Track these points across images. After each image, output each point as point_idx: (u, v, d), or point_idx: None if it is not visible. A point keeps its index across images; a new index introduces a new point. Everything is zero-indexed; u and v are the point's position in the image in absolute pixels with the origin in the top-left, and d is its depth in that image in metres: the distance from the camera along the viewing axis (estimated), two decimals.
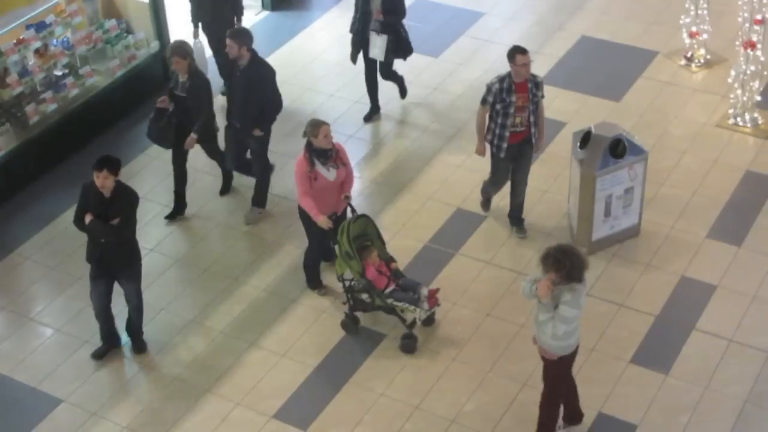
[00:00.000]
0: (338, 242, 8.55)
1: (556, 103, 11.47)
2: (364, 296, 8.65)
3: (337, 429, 8.10)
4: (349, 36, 11.17)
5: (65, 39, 11.08)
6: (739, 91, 10.93)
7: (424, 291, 8.58)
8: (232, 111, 9.79)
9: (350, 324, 8.84)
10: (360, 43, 10.96)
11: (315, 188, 8.61)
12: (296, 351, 8.78)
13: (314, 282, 9.30)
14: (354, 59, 11.13)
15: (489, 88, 9.20)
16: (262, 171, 10.05)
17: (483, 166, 10.62)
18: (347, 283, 8.68)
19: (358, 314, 8.86)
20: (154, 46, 11.90)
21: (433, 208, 10.19)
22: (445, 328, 8.90)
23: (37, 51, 10.79)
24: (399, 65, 11.41)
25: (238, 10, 11.41)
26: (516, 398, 8.25)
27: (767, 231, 9.73)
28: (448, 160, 10.78)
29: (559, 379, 7.58)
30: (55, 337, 9.00)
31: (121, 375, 8.65)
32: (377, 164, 10.80)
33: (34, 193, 10.63)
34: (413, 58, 11.89)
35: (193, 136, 9.77)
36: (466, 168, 10.66)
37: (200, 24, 11.46)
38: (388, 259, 8.80)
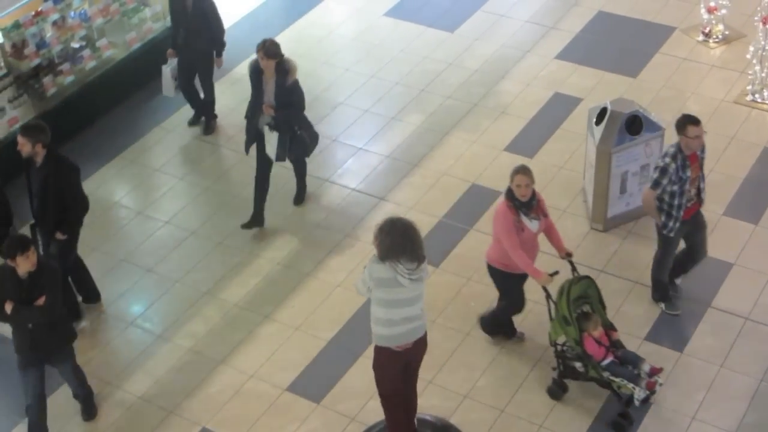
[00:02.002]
0: (556, 304, 7.78)
1: (572, 78, 11.42)
2: (578, 365, 7.82)
3: (349, 402, 8.14)
4: (365, 11, 11.07)
5: (83, 11, 11.08)
6: (757, 68, 10.85)
7: (646, 367, 7.70)
8: (32, 213, 8.54)
9: (557, 391, 8.02)
10: (255, 133, 9.45)
11: (519, 241, 7.73)
12: (310, 324, 8.81)
13: (510, 330, 8.51)
14: (247, 149, 9.64)
15: (664, 170, 8.00)
16: (72, 270, 8.79)
17: (497, 142, 10.62)
18: (559, 348, 7.90)
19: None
20: (168, 20, 11.87)
21: (447, 184, 10.18)
22: (459, 304, 8.91)
23: (54, 23, 10.81)
24: (417, 41, 11.28)
25: (218, 44, 10.57)
26: (529, 374, 8.27)
27: None
28: (462, 136, 10.76)
29: (381, 377, 7.12)
30: None
31: (136, 345, 8.70)
32: (392, 139, 10.78)
33: None
34: (429, 33, 11.86)
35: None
36: (481, 143, 10.63)
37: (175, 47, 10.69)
38: (609, 326, 7.95)
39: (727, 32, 11.87)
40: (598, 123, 9.29)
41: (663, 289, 8.67)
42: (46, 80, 10.69)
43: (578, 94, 11.18)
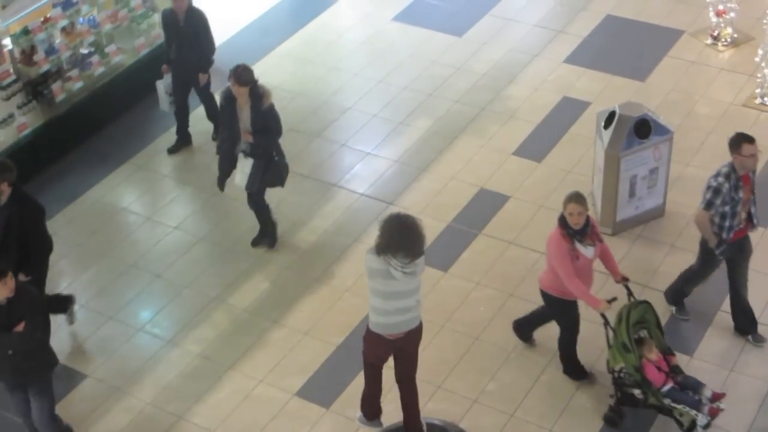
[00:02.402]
0: (614, 331, 7.57)
1: (580, 82, 11.42)
2: (636, 392, 7.58)
3: (358, 407, 8.12)
4: (373, 16, 11.07)
5: (91, 17, 11.12)
6: (766, 71, 10.83)
7: (707, 392, 7.48)
8: None
9: (615, 418, 7.78)
10: (229, 166, 9.19)
11: (575, 269, 7.54)
12: (319, 329, 8.81)
13: (579, 372, 8.22)
14: (221, 185, 9.34)
15: (717, 190, 7.82)
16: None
17: (506, 146, 10.62)
18: (616, 374, 7.66)
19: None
20: None
21: (456, 188, 10.18)
22: (468, 308, 8.91)
23: (63, 29, 10.84)
24: (425, 46, 11.30)
25: (205, 61, 10.42)
26: (538, 378, 8.26)
27: None
28: (470, 140, 10.76)
29: (367, 350, 7.29)
30: (80, 313, 9.07)
31: (145, 351, 8.71)
32: (400, 144, 10.79)
33: (59, 171, 10.71)
34: (437, 38, 11.86)
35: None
36: (490, 148, 10.63)
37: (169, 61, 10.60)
38: (667, 351, 7.74)
39: (735, 35, 11.85)
40: (606, 127, 9.29)
41: (680, 296, 8.64)
42: (55, 86, 10.72)
43: (586, 97, 11.18)
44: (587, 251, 7.58)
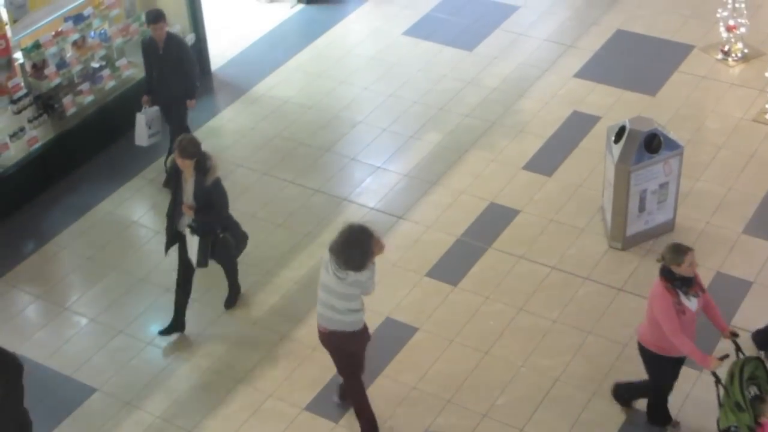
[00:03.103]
0: (726, 389, 7.24)
1: (591, 97, 11.41)
2: None
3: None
4: (383, 30, 11.08)
5: (103, 31, 11.16)
6: None
7: None
8: None
9: None
10: (174, 234, 8.68)
11: (681, 323, 7.21)
12: None
13: (666, 419, 7.92)
14: (166, 250, 8.83)
15: None
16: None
17: (516, 160, 10.61)
18: None
19: None
20: (190, 38, 11.94)
21: (466, 202, 10.18)
22: (478, 323, 8.89)
23: (74, 43, 10.89)
24: (436, 60, 11.30)
25: (189, 90, 10.19)
26: (549, 393, 8.23)
27: None
28: (481, 154, 10.76)
29: None
30: (90, 327, 9.09)
31: (155, 365, 8.71)
32: (410, 158, 10.79)
33: (70, 184, 10.73)
34: (447, 52, 11.86)
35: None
36: (500, 162, 10.63)
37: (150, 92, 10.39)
38: None
39: (746, 51, 11.85)
40: (616, 141, 9.28)
41: None
42: (66, 100, 10.76)
43: (597, 112, 11.17)
44: (691, 303, 7.25)
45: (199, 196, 8.38)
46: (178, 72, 10.10)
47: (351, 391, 7.86)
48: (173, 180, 8.57)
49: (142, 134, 10.41)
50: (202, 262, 8.63)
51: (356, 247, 7.05)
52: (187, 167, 8.33)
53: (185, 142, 8.32)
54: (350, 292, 7.25)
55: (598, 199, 9.98)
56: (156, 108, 10.41)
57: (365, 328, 7.55)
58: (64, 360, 8.81)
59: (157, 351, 8.84)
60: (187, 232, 8.55)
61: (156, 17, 9.96)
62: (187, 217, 8.48)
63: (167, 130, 10.49)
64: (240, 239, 8.87)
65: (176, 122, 10.34)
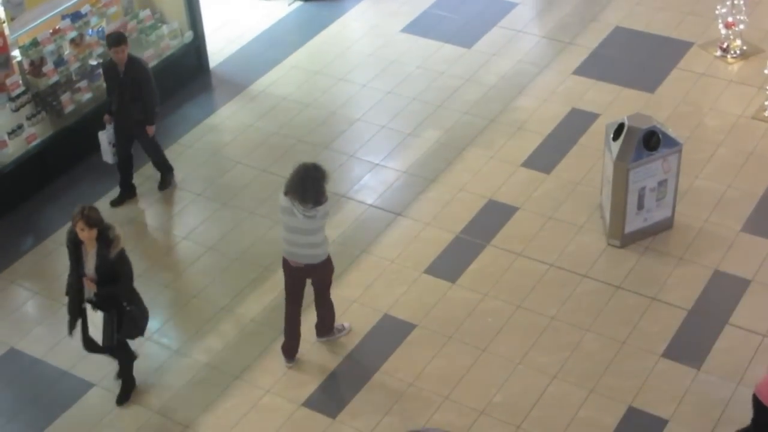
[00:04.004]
0: None
1: (589, 94, 11.41)
2: None
3: (365, 418, 8.12)
4: (382, 27, 11.07)
5: (100, 29, 11.16)
6: None
7: None
8: None
9: None
10: (78, 311, 8.02)
11: None
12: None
13: None
14: (70, 330, 8.06)
15: None
16: None
17: (514, 158, 10.61)
18: None
19: None
20: (188, 36, 11.96)
21: (464, 199, 10.18)
22: (476, 319, 8.89)
23: (72, 41, 10.88)
24: (434, 57, 11.31)
25: (149, 117, 10.00)
26: (546, 390, 8.23)
27: None
28: (479, 152, 10.75)
29: (284, 278, 8.39)
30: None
31: (153, 360, 8.72)
32: (409, 155, 10.79)
33: (68, 182, 10.74)
34: (446, 49, 11.85)
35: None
36: (498, 159, 10.63)
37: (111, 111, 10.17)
38: None
39: (745, 48, 11.84)
40: (615, 138, 9.27)
41: None
42: (64, 97, 10.76)
43: (595, 109, 11.17)
44: None
45: (102, 268, 7.73)
46: (137, 97, 9.88)
47: (330, 304, 8.61)
48: (71, 253, 7.83)
49: (106, 151, 10.22)
50: (108, 340, 7.96)
51: (310, 183, 7.75)
52: (89, 238, 7.69)
53: (87, 210, 7.63)
54: (320, 225, 7.97)
55: (597, 196, 9.98)
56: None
57: (329, 258, 8.31)
58: (62, 355, 8.81)
59: (154, 346, 8.84)
60: (88, 307, 7.93)
61: (117, 41, 9.64)
62: (87, 291, 7.83)
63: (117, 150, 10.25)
64: (142, 315, 8.12)
65: (144, 148, 10.27)
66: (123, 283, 7.85)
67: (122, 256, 7.79)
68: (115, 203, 10.38)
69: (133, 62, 9.84)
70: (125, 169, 10.37)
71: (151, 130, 10.12)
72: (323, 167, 7.88)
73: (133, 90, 9.86)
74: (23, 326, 9.15)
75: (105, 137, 10.18)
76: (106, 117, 10.16)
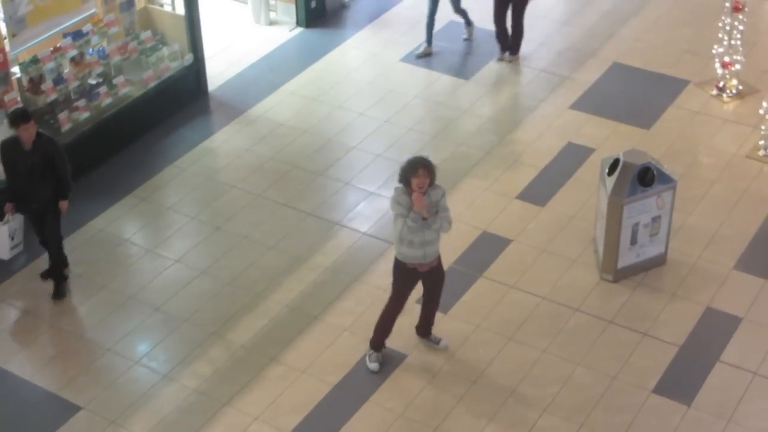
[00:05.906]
0: None
1: (586, 128, 11.45)
2: None
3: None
4: (381, 56, 11.07)
5: (101, 48, 11.18)
6: None
7: None
8: None
9: None
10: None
11: None
12: (316, 368, 8.77)
13: None
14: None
15: None
16: None
17: (509, 190, 10.62)
18: None
19: None
20: (188, 58, 11.98)
21: (458, 230, 10.15)
22: (467, 351, 8.87)
23: (72, 59, 10.90)
24: (432, 87, 11.30)
25: (63, 191, 9.20)
26: (536, 424, 8.20)
27: None
28: (474, 183, 10.77)
29: (395, 281, 8.50)
30: (77, 344, 9.04)
31: (141, 384, 8.67)
32: None
33: None
34: (444, 80, 11.84)
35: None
36: (493, 191, 10.64)
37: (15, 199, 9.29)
38: None
39: (740, 87, 11.90)
40: (610, 174, 9.30)
41: None
42: (62, 116, 10.76)
43: (591, 144, 11.20)
44: None
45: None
46: (47, 174, 9.06)
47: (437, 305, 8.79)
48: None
49: (4, 247, 9.43)
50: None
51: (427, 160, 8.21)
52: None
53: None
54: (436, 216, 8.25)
55: (591, 230, 9.99)
56: (21, 217, 9.48)
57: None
58: (50, 377, 8.76)
59: (144, 370, 8.79)
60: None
61: (24, 117, 8.91)
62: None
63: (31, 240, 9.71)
64: None
65: (49, 229, 9.36)
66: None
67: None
68: (45, 276, 9.64)
69: (41, 137, 9.07)
70: (53, 248, 9.47)
71: (64, 205, 9.25)
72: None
73: (44, 167, 9.02)
74: (11, 346, 9.09)
75: (7, 231, 9.35)
76: (8, 206, 9.23)
